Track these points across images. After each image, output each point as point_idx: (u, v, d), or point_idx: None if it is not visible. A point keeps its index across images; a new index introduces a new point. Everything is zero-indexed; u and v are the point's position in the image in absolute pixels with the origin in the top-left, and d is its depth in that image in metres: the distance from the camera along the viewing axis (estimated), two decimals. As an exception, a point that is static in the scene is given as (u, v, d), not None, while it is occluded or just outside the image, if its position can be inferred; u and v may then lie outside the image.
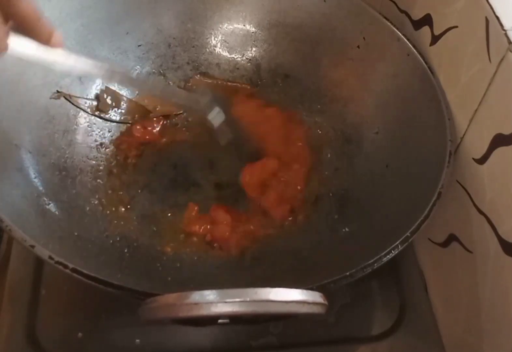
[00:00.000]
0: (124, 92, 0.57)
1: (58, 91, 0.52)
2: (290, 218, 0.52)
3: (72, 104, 0.53)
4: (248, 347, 0.48)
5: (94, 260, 0.42)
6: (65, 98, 0.52)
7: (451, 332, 0.48)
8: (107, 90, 0.55)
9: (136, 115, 0.57)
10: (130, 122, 0.57)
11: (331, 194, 0.53)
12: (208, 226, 0.50)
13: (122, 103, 0.57)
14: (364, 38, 0.53)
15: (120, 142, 0.55)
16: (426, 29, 0.48)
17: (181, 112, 0.58)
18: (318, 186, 0.54)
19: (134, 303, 0.33)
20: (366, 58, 0.54)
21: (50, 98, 0.51)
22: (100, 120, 0.55)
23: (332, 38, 0.56)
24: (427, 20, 0.48)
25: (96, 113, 0.55)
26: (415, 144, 0.47)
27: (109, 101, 0.55)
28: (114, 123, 0.56)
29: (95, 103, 0.55)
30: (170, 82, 0.60)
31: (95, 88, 0.55)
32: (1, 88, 0.45)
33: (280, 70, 0.60)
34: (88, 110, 0.54)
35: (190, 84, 0.60)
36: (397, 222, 0.42)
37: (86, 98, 0.55)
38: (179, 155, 0.56)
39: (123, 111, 0.57)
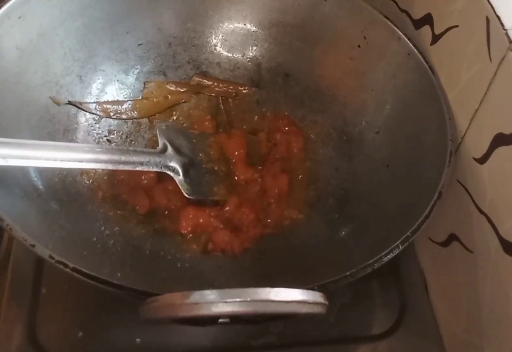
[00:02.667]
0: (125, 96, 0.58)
1: (69, 102, 0.52)
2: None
3: (85, 110, 0.54)
4: (248, 347, 0.48)
5: (94, 260, 0.42)
6: (76, 106, 0.53)
7: (451, 332, 0.48)
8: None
9: (145, 111, 0.57)
10: (137, 117, 0.57)
11: (331, 194, 0.53)
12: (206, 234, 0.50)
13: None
14: (364, 37, 0.53)
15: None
16: (426, 28, 0.48)
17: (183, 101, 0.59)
18: (318, 186, 0.54)
19: (135, 302, 0.33)
20: (366, 58, 0.54)
21: (53, 100, 0.51)
22: (101, 119, 0.55)
23: (333, 37, 0.56)
24: (427, 19, 0.48)
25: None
26: (416, 143, 0.47)
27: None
28: (115, 122, 0.56)
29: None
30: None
31: (95, 87, 0.55)
32: (1, 87, 0.45)
33: (281, 69, 0.60)
34: (100, 113, 0.55)
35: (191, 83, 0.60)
36: (398, 221, 0.42)
37: (95, 102, 0.55)
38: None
39: (129, 108, 0.57)
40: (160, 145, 0.49)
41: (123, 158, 0.44)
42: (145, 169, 0.46)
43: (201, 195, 0.50)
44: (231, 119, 0.59)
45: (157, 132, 0.50)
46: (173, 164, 0.48)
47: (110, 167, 0.44)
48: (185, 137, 0.53)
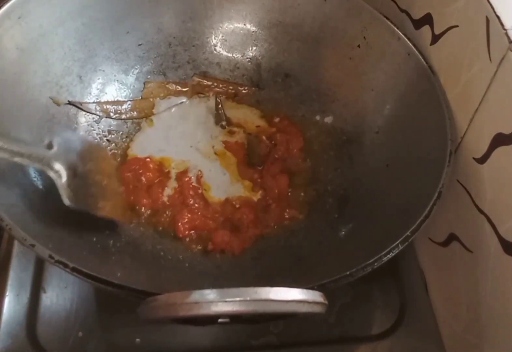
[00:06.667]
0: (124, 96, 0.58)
1: (69, 102, 0.52)
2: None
3: (85, 110, 0.54)
4: (248, 346, 0.48)
5: (94, 259, 0.42)
6: (76, 106, 0.53)
7: (451, 332, 0.48)
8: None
9: (145, 111, 0.58)
10: (136, 117, 0.57)
11: (331, 194, 0.53)
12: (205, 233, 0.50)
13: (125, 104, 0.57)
14: (364, 37, 0.53)
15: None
16: (426, 28, 0.48)
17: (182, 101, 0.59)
18: (318, 186, 0.54)
19: (134, 302, 0.33)
20: (366, 58, 0.54)
21: (53, 100, 0.51)
22: (101, 119, 0.55)
23: (333, 38, 0.56)
24: (427, 19, 0.48)
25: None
26: (416, 143, 0.47)
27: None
28: (115, 122, 0.56)
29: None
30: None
31: (95, 87, 0.55)
32: (1, 87, 0.45)
33: (281, 69, 0.60)
34: (100, 113, 0.55)
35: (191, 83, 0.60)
36: (397, 221, 0.42)
37: (95, 102, 0.55)
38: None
39: (129, 108, 0.57)
40: (46, 141, 0.43)
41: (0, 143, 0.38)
42: (25, 163, 0.40)
43: (83, 206, 0.44)
44: (231, 119, 0.59)
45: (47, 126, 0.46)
46: (58, 165, 0.43)
47: None
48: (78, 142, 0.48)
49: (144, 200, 0.51)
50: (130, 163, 0.54)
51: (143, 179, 0.52)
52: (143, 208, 0.51)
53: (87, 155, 0.48)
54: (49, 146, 0.43)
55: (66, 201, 0.43)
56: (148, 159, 0.54)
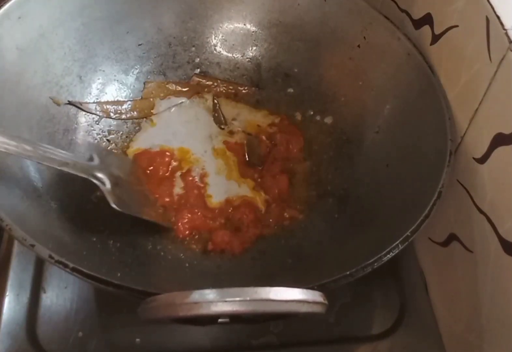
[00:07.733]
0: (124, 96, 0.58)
1: (69, 102, 0.53)
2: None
3: (85, 110, 0.54)
4: (248, 346, 0.48)
5: (94, 259, 0.42)
6: (76, 106, 0.53)
7: (451, 332, 0.48)
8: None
9: (145, 111, 0.58)
10: (136, 117, 0.57)
11: (331, 194, 0.53)
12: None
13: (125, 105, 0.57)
14: (364, 37, 0.53)
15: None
16: (426, 28, 0.48)
17: (182, 101, 0.59)
18: (318, 186, 0.54)
19: (134, 302, 0.33)
20: (366, 58, 0.54)
21: (53, 100, 0.51)
22: (101, 119, 0.55)
23: (333, 37, 0.56)
24: (427, 19, 0.48)
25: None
26: (416, 143, 0.47)
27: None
28: (115, 123, 0.56)
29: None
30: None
31: (95, 87, 0.55)
32: (1, 87, 0.45)
33: (281, 69, 0.60)
34: (100, 113, 0.55)
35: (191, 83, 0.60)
36: (397, 221, 0.42)
37: (95, 102, 0.55)
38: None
39: (129, 108, 0.57)
40: (87, 155, 0.47)
41: (47, 154, 0.41)
42: (72, 172, 0.43)
43: (130, 210, 0.46)
44: (231, 120, 0.59)
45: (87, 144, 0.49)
46: (100, 175, 0.45)
47: (34, 159, 0.41)
48: (116, 157, 0.51)
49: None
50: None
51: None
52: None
53: (126, 169, 0.50)
54: (90, 159, 0.46)
55: (113, 205, 0.45)
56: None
